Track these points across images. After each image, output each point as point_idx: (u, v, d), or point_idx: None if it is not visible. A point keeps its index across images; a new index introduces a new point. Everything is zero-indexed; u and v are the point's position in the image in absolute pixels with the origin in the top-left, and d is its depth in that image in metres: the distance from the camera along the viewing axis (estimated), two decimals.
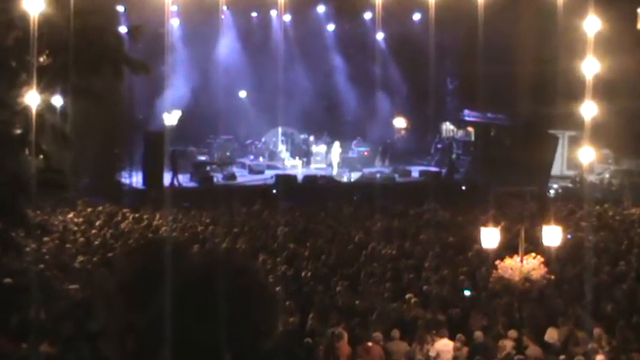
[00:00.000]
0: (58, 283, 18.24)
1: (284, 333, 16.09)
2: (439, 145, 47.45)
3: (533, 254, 20.03)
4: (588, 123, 29.27)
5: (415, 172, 44.00)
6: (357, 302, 19.97)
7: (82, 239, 26.13)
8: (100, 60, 13.16)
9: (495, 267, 19.98)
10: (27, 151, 12.65)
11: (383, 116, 47.08)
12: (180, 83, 41.66)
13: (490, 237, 20.56)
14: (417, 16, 45.83)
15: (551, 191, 40.64)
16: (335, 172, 42.87)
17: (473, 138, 46.32)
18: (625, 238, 27.55)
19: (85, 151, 30.51)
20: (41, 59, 13.26)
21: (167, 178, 38.16)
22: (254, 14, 46.71)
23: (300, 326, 18.32)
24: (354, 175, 42.28)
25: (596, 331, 17.58)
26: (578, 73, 29.17)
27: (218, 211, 31.41)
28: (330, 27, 48.07)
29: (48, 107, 13.29)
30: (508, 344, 17.31)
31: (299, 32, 46.28)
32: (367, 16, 45.74)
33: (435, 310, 19.15)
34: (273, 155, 45.35)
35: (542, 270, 19.76)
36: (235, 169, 42.58)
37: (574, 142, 41.80)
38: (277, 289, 18.13)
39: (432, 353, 17.41)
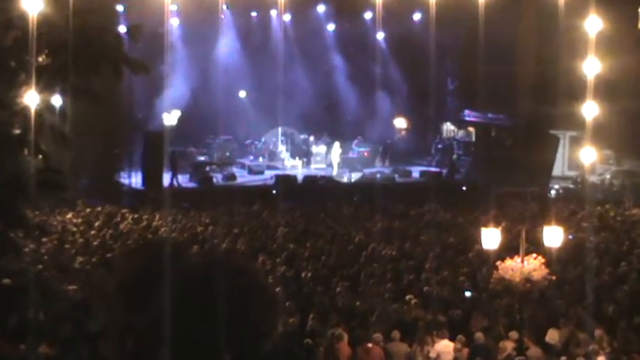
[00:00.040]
0: (57, 283, 18.12)
1: (284, 334, 16.06)
2: (440, 146, 47.39)
3: (534, 255, 19.88)
4: (589, 123, 29.22)
5: (415, 172, 43.98)
6: (357, 303, 19.96)
7: (81, 240, 26.15)
8: (99, 60, 13.08)
9: (496, 268, 19.85)
10: (26, 152, 12.58)
11: (383, 116, 47.01)
12: (179, 83, 41.61)
13: (491, 238, 20.45)
14: (417, 16, 45.82)
15: (553, 192, 40.62)
16: (335, 172, 42.85)
17: (473, 138, 46.24)
18: (626, 238, 27.52)
19: (84, 151, 30.44)
20: (40, 59, 13.17)
21: (166, 179, 38.10)
22: (254, 14, 46.68)
23: (300, 327, 18.29)
24: (355, 176, 42.26)
25: (597, 332, 17.55)
26: (580, 73, 29.14)
27: (217, 212, 31.38)
28: (330, 27, 48.04)
29: (47, 107, 13.23)
30: (509, 345, 17.34)
31: (299, 32, 46.25)
32: (367, 15, 45.75)
33: (435, 311, 19.12)
34: (272, 155, 45.31)
35: (543, 271, 19.63)
36: (235, 170, 42.56)
37: (575, 142, 41.77)
38: (277, 289, 18.07)
39: (433, 354, 17.40)
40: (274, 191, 37.68)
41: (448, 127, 48.46)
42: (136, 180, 38.51)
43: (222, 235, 27.49)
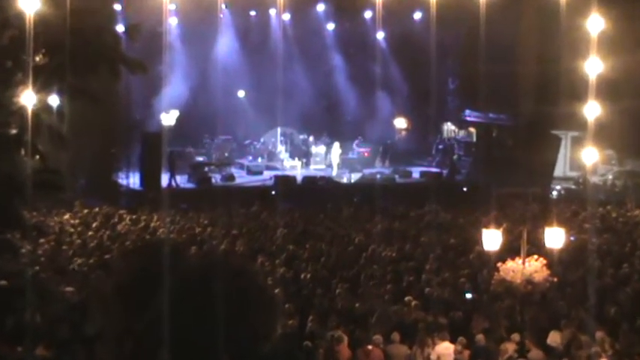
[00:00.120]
0: (54, 285, 18.12)
1: (283, 336, 15.87)
2: (440, 146, 47.32)
3: (536, 256, 19.82)
4: (591, 123, 29.16)
5: (416, 173, 43.90)
6: (356, 305, 19.84)
7: (78, 241, 26.10)
8: (96, 59, 13.04)
9: (497, 269, 19.80)
10: (23, 152, 12.55)
11: (383, 116, 46.93)
12: (178, 83, 41.58)
13: (492, 239, 20.37)
14: (417, 15, 45.81)
15: (554, 192, 40.58)
16: (335, 172, 42.80)
17: (474, 138, 46.13)
18: (629, 240, 27.40)
19: (81, 151, 30.42)
20: (37, 58, 13.13)
21: (165, 179, 38.01)
22: (253, 13, 46.62)
23: (299, 329, 18.17)
24: (354, 176, 42.20)
25: (599, 334, 17.44)
26: (581, 73, 29.10)
27: (216, 213, 31.22)
28: (330, 26, 48.00)
29: (44, 107, 13.19)
30: (510, 347, 17.26)
31: (298, 31, 46.22)
32: (367, 14, 45.75)
33: (436, 312, 19.04)
34: (272, 156, 45.25)
35: (545, 272, 19.57)
36: (234, 170, 42.50)
37: (577, 142, 41.72)
38: (276, 291, 17.88)
39: (433, 356, 17.33)
40: (273, 192, 37.62)
41: (449, 127, 48.40)
42: (133, 180, 38.42)
43: (220, 236, 27.41)
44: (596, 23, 27.60)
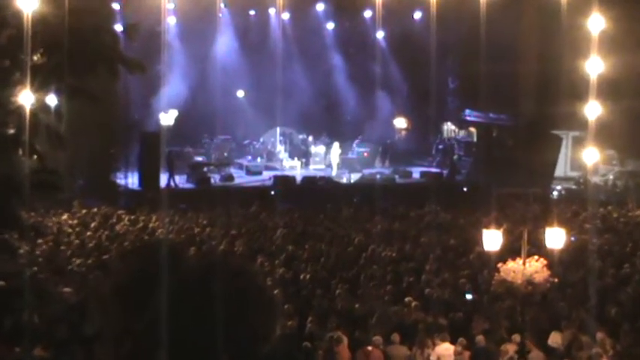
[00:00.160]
0: (52, 285, 18.08)
1: (282, 337, 15.80)
2: (440, 146, 47.27)
3: (536, 257, 19.81)
4: (592, 123, 29.15)
5: (416, 173, 43.84)
6: (356, 306, 19.79)
7: (76, 241, 26.04)
8: (95, 59, 12.97)
9: (497, 270, 19.78)
10: (20, 152, 12.46)
11: (383, 116, 46.98)
12: (177, 82, 41.61)
13: (492, 239, 20.34)
14: (417, 15, 45.89)
15: (555, 193, 40.55)
16: (334, 173, 42.76)
17: (475, 138, 46.11)
18: (629, 240, 27.32)
19: (80, 151, 30.40)
20: (35, 58, 13.04)
21: (163, 179, 38.01)
22: (252, 12, 46.70)
23: (298, 330, 18.12)
24: (354, 176, 42.14)
25: (600, 335, 17.41)
26: (582, 73, 29.09)
27: (215, 213, 31.15)
28: (330, 25, 48.06)
29: (42, 107, 13.12)
30: (510, 348, 17.20)
31: (298, 31, 46.25)
32: (367, 14, 45.87)
33: (436, 313, 18.99)
34: (271, 156, 45.21)
35: (545, 273, 19.54)
36: (233, 170, 42.48)
37: (578, 142, 41.72)
38: (275, 292, 17.83)
39: (433, 357, 17.31)
40: (273, 192, 37.60)
41: (449, 127, 48.40)
42: (132, 180, 38.35)
43: (219, 236, 27.35)
44: (596, 23, 27.58)
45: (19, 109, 12.60)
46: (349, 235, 27.95)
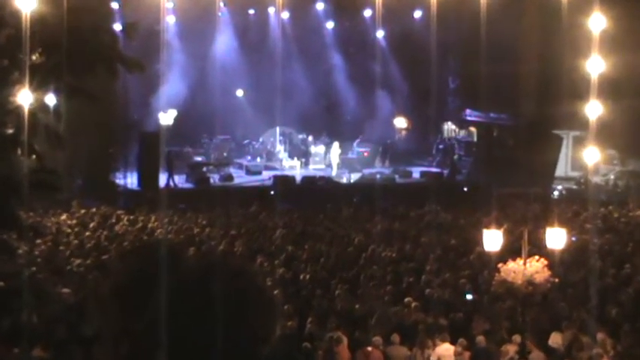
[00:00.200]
0: (51, 286, 18.11)
1: (282, 337, 15.77)
2: (440, 146, 47.24)
3: (537, 257, 19.75)
4: (593, 123, 29.09)
5: (416, 173, 43.79)
6: (356, 306, 19.76)
7: (75, 241, 25.99)
8: (94, 58, 12.93)
9: (498, 270, 19.72)
10: (19, 152, 12.43)
11: (383, 116, 46.95)
12: (176, 82, 41.61)
13: (493, 239, 20.32)
14: (418, 14, 45.94)
15: (555, 193, 40.56)
16: (334, 173, 42.71)
17: (475, 138, 46.12)
18: (630, 240, 27.28)
19: (78, 151, 30.36)
20: (34, 57, 13.00)
21: (162, 179, 37.97)
22: (251, 11, 46.73)
23: (298, 330, 18.07)
24: (354, 176, 42.11)
25: (600, 335, 17.38)
26: (583, 72, 29.02)
27: (214, 213, 31.12)
28: (330, 24, 48.08)
29: (41, 106, 13.09)
30: (511, 349, 17.20)
31: (297, 30, 46.25)
32: (367, 13, 45.91)
33: (436, 314, 18.95)
34: (270, 156, 45.18)
35: (546, 273, 19.48)
36: (232, 170, 42.43)
37: (578, 142, 41.68)
38: (275, 292, 17.81)
39: (433, 358, 17.28)
40: (272, 192, 37.56)
41: (449, 127, 48.40)
42: (131, 180, 38.34)
43: (219, 236, 27.31)
44: (597, 22, 27.51)
45: (18, 109, 12.55)
46: (349, 235, 27.91)
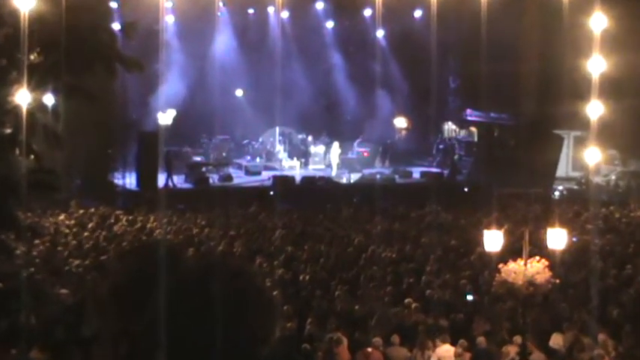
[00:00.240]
0: (49, 286, 18.01)
1: (281, 338, 15.67)
2: (441, 146, 47.20)
3: (538, 258, 19.75)
4: (594, 123, 28.99)
5: (416, 173, 43.78)
6: (356, 307, 19.71)
7: (73, 242, 25.96)
8: (92, 57, 12.86)
9: (499, 271, 19.72)
10: (17, 152, 12.35)
11: (383, 116, 46.93)
12: (175, 81, 41.60)
13: (493, 240, 20.30)
14: (418, 13, 45.98)
15: (556, 193, 40.58)
16: (334, 173, 42.67)
17: (475, 138, 46.11)
18: (632, 241, 27.26)
19: (77, 151, 30.29)
20: (32, 57, 12.92)
21: (161, 180, 37.94)
22: (251, 11, 46.72)
23: (298, 331, 18.03)
24: (354, 177, 42.09)
25: (601, 336, 17.34)
26: (584, 72, 28.93)
27: (214, 213, 31.06)
28: (329, 24, 48.11)
29: (39, 106, 13.02)
30: (512, 350, 17.16)
31: (297, 29, 46.24)
32: (367, 12, 45.95)
33: (436, 315, 18.91)
34: (270, 156, 45.13)
35: (547, 274, 19.48)
36: (231, 170, 42.41)
37: (580, 142, 41.65)
38: (274, 293, 17.74)
39: (434, 359, 17.13)
40: (272, 192, 37.53)
41: (450, 127, 48.38)
42: (130, 181, 38.29)
43: (218, 237, 27.26)
44: (599, 21, 27.41)
45: (16, 109, 12.48)
46: (349, 236, 27.86)
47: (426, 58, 41.54)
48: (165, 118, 40.75)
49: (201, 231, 28.53)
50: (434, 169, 44.74)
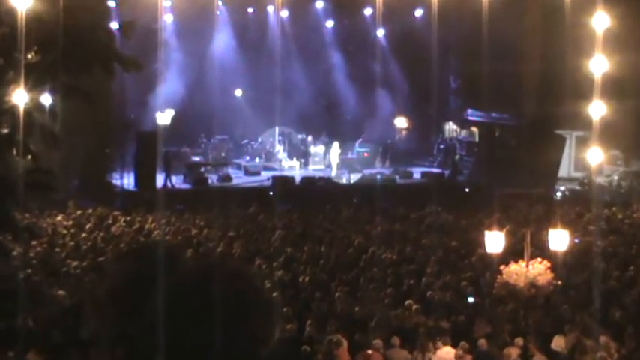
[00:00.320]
0: (46, 288, 18.11)
1: (281, 340, 15.59)
2: (442, 146, 47.23)
3: (539, 259, 19.82)
4: (596, 123, 28.92)
5: (417, 173, 43.74)
6: (356, 308, 19.69)
7: (71, 243, 26.03)
8: (90, 57, 12.89)
9: (500, 272, 19.76)
10: (14, 152, 12.36)
11: (384, 116, 46.94)
12: (173, 81, 41.63)
13: (494, 241, 20.28)
14: (418, 12, 46.08)
15: (558, 194, 40.62)
16: (334, 173, 42.66)
17: (477, 138, 46.15)
18: (634, 242, 27.20)
19: (74, 151, 30.30)
20: (29, 56, 12.92)
21: (160, 180, 37.88)
22: (250, 10, 46.76)
23: (297, 333, 17.97)
24: (354, 177, 42.06)
25: (604, 338, 17.30)
26: (586, 71, 28.86)
27: (212, 214, 31.04)
28: (329, 23, 48.17)
29: (36, 106, 13.04)
30: (513, 352, 17.16)
31: (297, 29, 46.29)
32: (367, 12, 46.07)
33: (437, 316, 18.89)
34: (269, 156, 45.11)
35: (549, 275, 19.49)
36: (231, 171, 42.42)
37: (582, 142, 41.64)
38: (274, 294, 17.75)
39: None
40: (271, 193, 37.51)
41: (450, 127, 48.40)
42: (128, 181, 38.25)
43: (217, 238, 27.26)
44: (601, 21, 27.32)
45: (13, 109, 12.44)
46: (349, 237, 27.82)
47: (426, 57, 41.47)
48: (164, 118, 40.77)
49: (200, 232, 28.52)
50: (435, 170, 44.71)
